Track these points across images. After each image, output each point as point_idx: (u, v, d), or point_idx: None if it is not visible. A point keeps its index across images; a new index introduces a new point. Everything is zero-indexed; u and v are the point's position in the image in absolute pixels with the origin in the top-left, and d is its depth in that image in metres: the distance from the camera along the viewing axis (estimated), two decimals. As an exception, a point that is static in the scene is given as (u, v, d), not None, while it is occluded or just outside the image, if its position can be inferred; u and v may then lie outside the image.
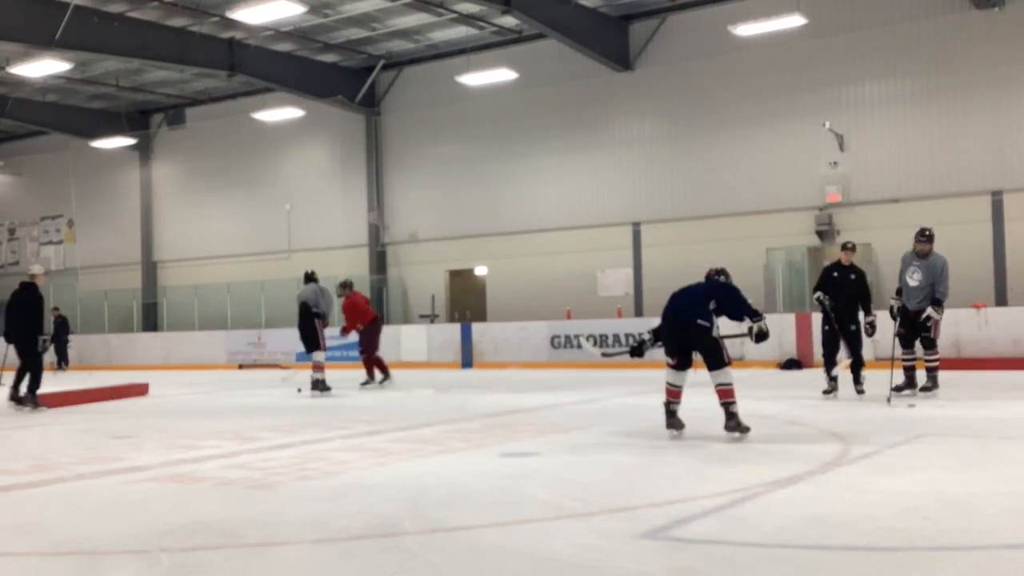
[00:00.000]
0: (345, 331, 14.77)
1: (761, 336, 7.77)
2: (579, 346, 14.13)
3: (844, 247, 10.91)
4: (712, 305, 7.70)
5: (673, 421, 7.79)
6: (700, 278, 8.23)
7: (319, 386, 13.40)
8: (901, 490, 5.36)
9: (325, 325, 13.82)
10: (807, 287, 19.51)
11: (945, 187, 18.60)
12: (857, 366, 10.69)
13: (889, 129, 19.21)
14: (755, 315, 7.78)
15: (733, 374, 7.66)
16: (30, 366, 12.11)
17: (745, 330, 7.90)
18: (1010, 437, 7.49)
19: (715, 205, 20.79)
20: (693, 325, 7.64)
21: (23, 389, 12.16)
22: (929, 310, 10.42)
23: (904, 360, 10.72)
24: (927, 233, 10.59)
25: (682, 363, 7.80)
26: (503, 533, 4.63)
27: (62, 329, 25.11)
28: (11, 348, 12.41)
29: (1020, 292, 17.68)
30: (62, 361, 25.03)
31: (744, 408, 7.83)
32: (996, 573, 3.89)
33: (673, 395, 7.84)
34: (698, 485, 5.69)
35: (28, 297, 12.23)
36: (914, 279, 10.54)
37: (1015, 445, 7.10)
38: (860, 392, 10.51)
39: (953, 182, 18.55)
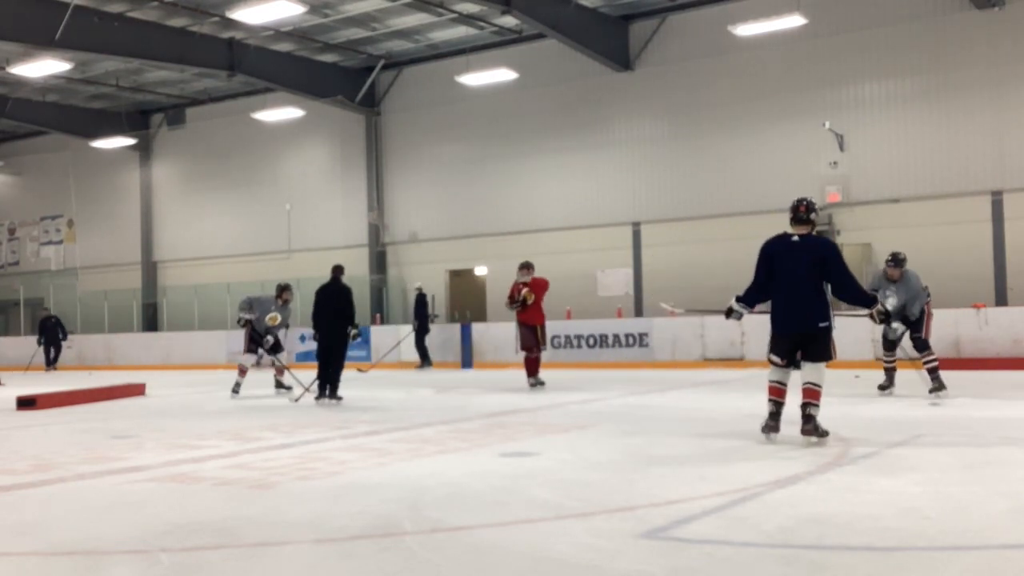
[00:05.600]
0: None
1: (884, 318, 7.55)
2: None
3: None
4: (828, 294, 7.22)
5: (773, 424, 7.30)
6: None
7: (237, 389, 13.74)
8: (901, 490, 5.36)
9: (259, 331, 13.91)
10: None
11: (945, 187, 18.60)
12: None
13: (889, 129, 19.20)
14: (871, 302, 7.41)
15: (826, 375, 7.35)
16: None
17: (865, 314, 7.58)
18: (1010, 438, 7.48)
19: (715, 205, 20.77)
20: (815, 330, 7.20)
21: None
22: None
23: (886, 361, 11.22)
24: (900, 258, 10.68)
25: (792, 362, 7.38)
26: (503, 533, 4.63)
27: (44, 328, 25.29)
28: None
29: (1020, 292, 17.67)
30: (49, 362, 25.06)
31: (745, 408, 7.83)
32: (996, 573, 3.89)
33: (778, 394, 7.34)
34: (698, 485, 5.68)
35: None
36: (890, 303, 10.64)
37: (1015, 446, 7.10)
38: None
39: (953, 182, 18.55)
